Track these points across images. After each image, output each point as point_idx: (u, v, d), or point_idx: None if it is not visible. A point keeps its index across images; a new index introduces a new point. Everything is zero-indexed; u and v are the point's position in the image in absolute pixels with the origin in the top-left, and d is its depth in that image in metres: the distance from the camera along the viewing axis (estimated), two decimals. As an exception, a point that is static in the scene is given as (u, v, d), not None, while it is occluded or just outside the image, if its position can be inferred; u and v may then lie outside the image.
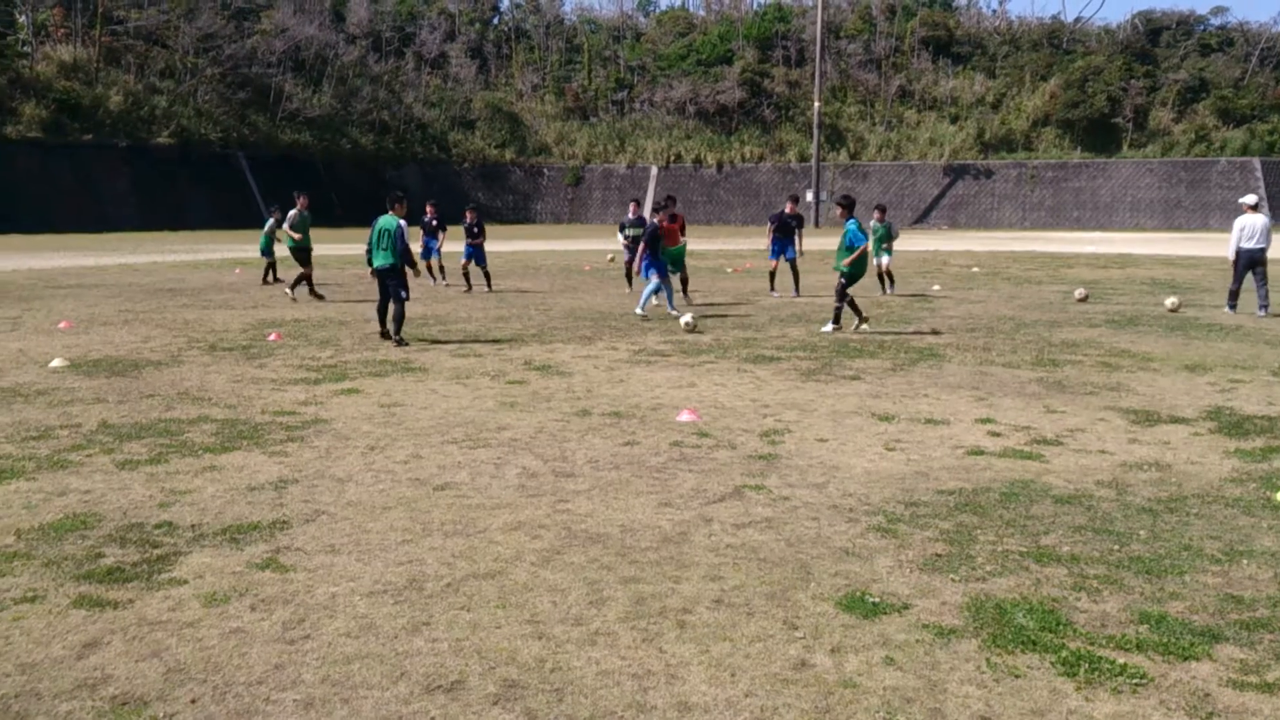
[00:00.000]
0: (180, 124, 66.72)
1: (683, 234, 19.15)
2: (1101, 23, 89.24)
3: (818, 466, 7.62)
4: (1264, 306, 17.55)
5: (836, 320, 15.42)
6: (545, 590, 5.19)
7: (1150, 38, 78.74)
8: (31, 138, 58.63)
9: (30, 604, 4.99)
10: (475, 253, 22.13)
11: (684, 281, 19.73)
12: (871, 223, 20.52)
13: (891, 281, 21.74)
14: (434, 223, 23.94)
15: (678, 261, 18.98)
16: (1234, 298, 18.08)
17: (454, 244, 25.48)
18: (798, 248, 20.97)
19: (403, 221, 13.94)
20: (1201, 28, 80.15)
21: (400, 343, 13.85)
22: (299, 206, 21.02)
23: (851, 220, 14.98)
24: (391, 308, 13.96)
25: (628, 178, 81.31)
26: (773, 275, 21.21)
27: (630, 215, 21.94)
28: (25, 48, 65.32)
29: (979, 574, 5.42)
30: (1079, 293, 20.37)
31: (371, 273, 14.11)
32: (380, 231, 13.83)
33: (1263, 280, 17.64)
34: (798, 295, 20.88)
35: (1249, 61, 74.83)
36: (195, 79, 70.42)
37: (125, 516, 6.36)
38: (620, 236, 22.03)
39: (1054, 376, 11.49)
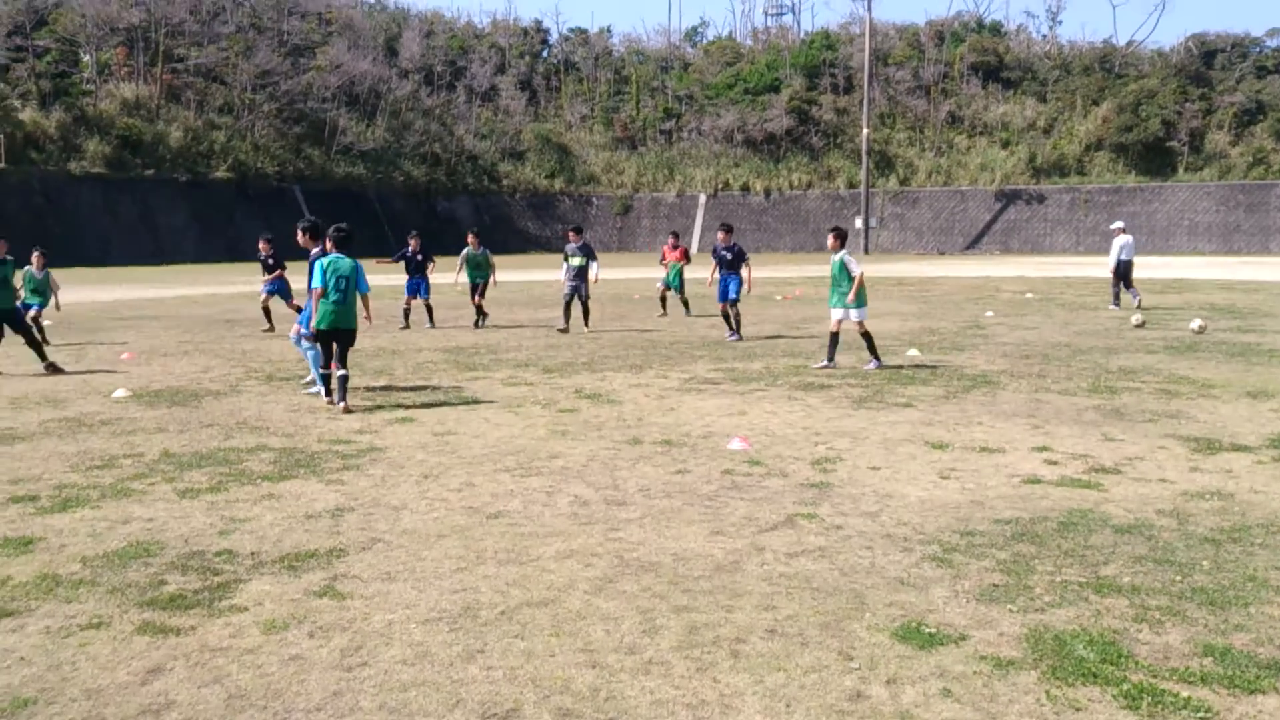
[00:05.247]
0: (238, 158, 68.21)
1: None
2: (1154, 46, 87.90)
3: (871, 495, 7.57)
4: (1137, 298, 23.14)
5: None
6: (598, 619, 5.20)
7: (1205, 60, 77.74)
8: (95, 173, 60.22)
9: (96, 630, 5.10)
10: (283, 287, 20.04)
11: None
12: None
13: (869, 341, 14.15)
14: (269, 260, 20.10)
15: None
16: (1117, 299, 24.15)
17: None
18: (744, 284, 17.99)
19: None
20: (1257, 50, 78.96)
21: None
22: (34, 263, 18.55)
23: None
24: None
25: (676, 206, 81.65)
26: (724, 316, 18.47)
27: (572, 244, 19.58)
28: (90, 86, 67.19)
29: (1037, 605, 5.34)
30: (1136, 318, 20.07)
31: None
32: None
33: (1130, 283, 23.90)
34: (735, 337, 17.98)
35: (1308, 83, 73.56)
36: (253, 114, 72.00)
37: (187, 544, 6.47)
38: (565, 266, 19.70)
39: (1112, 404, 11.33)
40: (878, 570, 5.90)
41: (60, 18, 68.08)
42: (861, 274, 14.04)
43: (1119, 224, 25.33)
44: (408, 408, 11.45)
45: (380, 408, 11.47)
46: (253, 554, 6.27)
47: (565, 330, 19.38)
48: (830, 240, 14.35)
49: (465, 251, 20.94)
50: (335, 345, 11.43)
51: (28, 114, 60.35)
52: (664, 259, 24.08)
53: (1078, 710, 4.20)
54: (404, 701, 4.32)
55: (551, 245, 76.82)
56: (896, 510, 7.15)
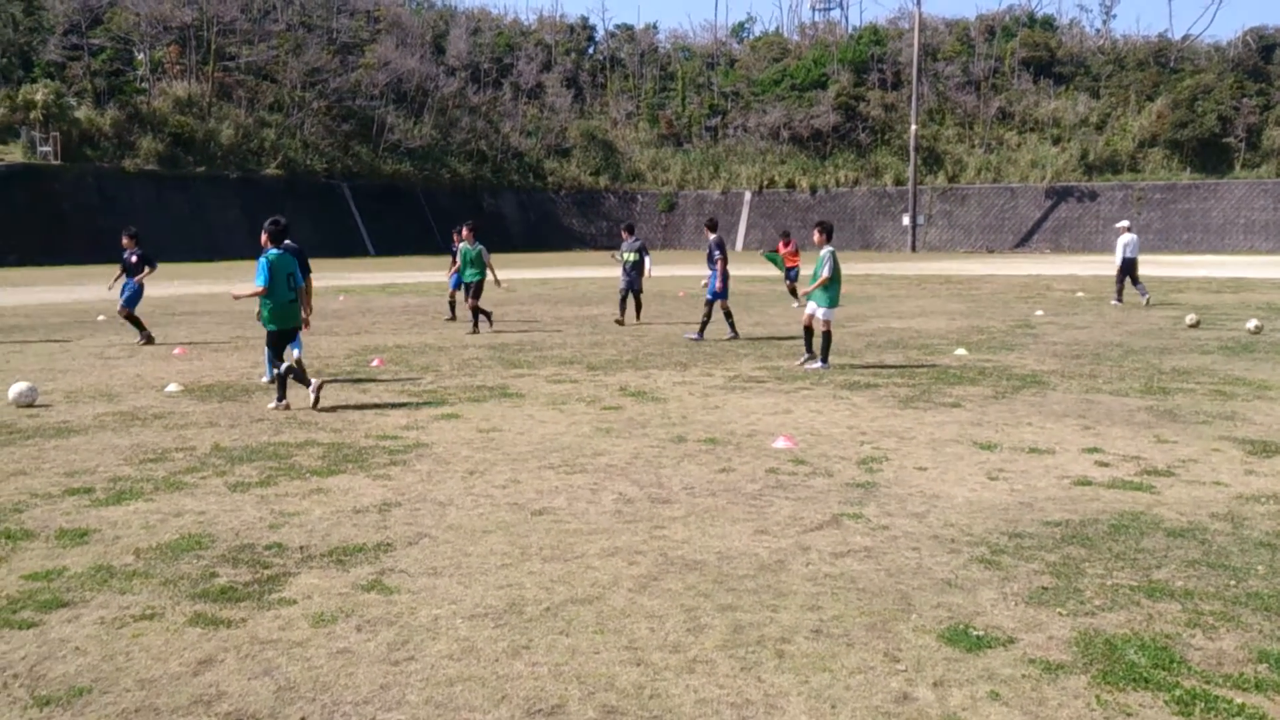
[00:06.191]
0: (287, 156, 69.04)
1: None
2: (1211, 40, 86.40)
3: (917, 495, 7.51)
4: (1145, 295, 24.14)
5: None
6: (643, 616, 5.21)
7: (1263, 54, 76.06)
8: (148, 170, 61.24)
9: (149, 621, 5.19)
10: (132, 294, 17.73)
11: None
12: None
13: (825, 342, 14.11)
14: (132, 258, 18.07)
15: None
16: (1120, 295, 24.54)
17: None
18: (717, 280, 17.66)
19: None
20: (1318, 43, 77.18)
21: None
22: None
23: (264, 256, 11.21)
24: None
25: (721, 203, 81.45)
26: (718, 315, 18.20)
27: (627, 241, 20.17)
28: (143, 84, 68.34)
29: (1088, 608, 5.27)
30: (1190, 318, 19.72)
31: None
32: None
33: (1136, 279, 24.41)
34: (697, 338, 17.69)
35: (1370, 77, 71.82)
36: (302, 112, 72.84)
37: (237, 537, 6.57)
38: (619, 258, 20.50)
39: (1164, 405, 11.14)
40: (924, 571, 5.86)
41: (115, 16, 69.25)
42: (826, 277, 13.78)
43: (1124, 222, 26.01)
44: (453, 404, 11.53)
45: (426, 404, 11.56)
46: (302, 548, 6.35)
47: (621, 322, 20.47)
48: (815, 235, 14.20)
49: (461, 247, 19.79)
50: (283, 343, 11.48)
51: (83, 112, 61.50)
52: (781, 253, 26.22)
53: (1129, 715, 4.14)
54: (450, 696, 4.35)
55: (597, 242, 76.97)
56: (944, 511, 7.09)
